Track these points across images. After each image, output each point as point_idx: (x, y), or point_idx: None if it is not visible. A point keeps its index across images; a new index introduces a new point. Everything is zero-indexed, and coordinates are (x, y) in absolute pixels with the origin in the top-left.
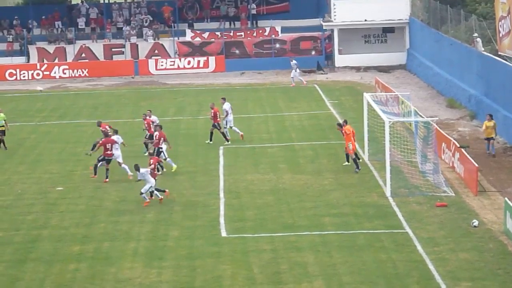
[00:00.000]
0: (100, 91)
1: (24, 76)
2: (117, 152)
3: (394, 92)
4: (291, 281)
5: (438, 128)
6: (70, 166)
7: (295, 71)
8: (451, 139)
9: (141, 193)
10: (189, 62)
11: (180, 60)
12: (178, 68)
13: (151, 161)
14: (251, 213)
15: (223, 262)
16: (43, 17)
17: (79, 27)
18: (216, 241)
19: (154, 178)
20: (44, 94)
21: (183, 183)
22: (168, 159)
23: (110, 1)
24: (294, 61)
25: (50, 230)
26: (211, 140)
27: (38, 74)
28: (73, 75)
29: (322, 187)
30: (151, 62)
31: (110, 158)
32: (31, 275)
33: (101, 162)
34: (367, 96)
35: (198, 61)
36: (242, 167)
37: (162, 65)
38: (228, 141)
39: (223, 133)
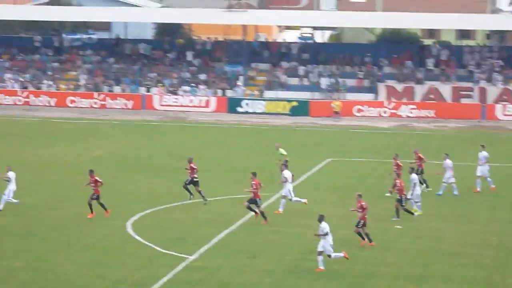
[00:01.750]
0: (445, 132)
1: (371, 113)
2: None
3: None
4: None
5: None
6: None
7: None
8: None
9: (330, 256)
10: None
11: None
12: None
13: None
14: None
15: None
16: (394, 55)
17: (428, 67)
18: None
19: (259, 198)
20: (389, 132)
21: None
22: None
23: (462, 44)
24: None
25: (386, 267)
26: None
27: (385, 112)
28: (419, 115)
29: None
30: (498, 107)
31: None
32: None
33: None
34: None
35: None
36: None
37: (510, 111)
38: None
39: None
